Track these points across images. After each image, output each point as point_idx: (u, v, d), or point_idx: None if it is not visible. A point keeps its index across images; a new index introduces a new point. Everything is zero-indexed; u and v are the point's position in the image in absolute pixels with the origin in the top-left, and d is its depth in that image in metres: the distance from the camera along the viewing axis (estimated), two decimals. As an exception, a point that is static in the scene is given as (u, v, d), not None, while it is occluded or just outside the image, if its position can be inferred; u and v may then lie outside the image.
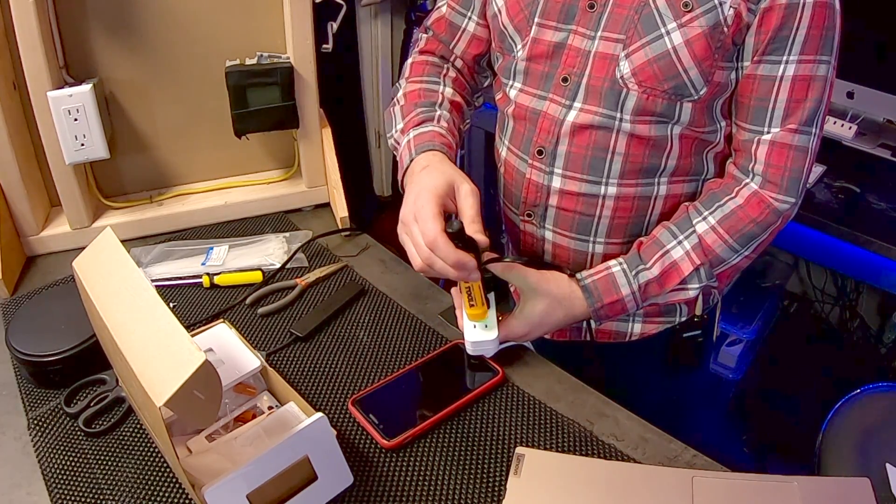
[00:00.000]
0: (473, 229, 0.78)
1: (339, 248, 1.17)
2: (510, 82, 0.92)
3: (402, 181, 0.90)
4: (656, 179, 0.87)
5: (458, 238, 0.77)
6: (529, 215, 0.94)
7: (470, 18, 0.98)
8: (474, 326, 0.86)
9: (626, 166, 0.85)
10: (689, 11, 0.76)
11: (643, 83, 0.80)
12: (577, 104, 0.84)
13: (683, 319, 0.99)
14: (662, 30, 0.78)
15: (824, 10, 0.75)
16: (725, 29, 0.76)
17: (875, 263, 1.40)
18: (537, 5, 0.85)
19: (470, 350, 0.87)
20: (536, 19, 0.86)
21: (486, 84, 1.06)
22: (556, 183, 0.89)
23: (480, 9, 0.97)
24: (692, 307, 0.99)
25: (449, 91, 0.98)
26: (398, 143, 0.94)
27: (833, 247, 1.43)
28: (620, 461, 0.78)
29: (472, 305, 0.84)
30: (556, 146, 0.87)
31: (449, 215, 0.80)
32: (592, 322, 0.92)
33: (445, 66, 1.01)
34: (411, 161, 0.88)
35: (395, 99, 0.99)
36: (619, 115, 0.83)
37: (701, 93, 0.80)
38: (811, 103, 0.79)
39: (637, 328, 0.99)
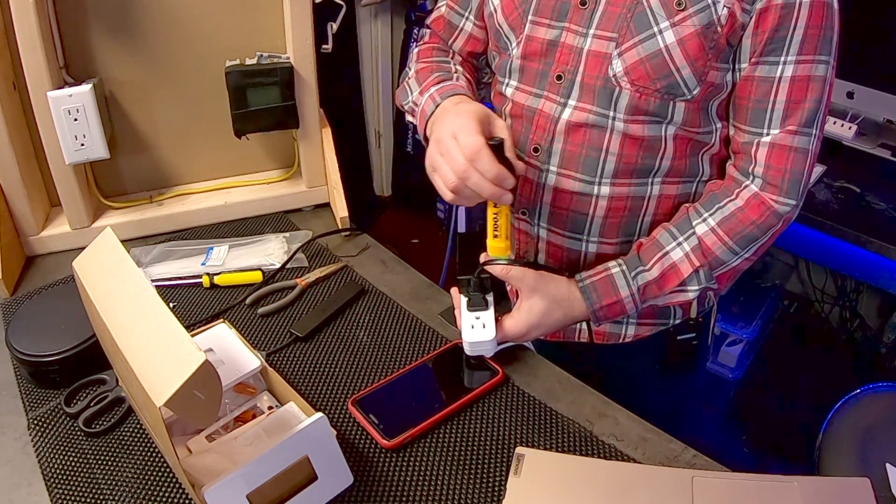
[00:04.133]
0: (511, 156, 0.78)
1: (339, 248, 1.17)
2: (506, 80, 0.92)
3: (426, 131, 0.90)
4: (650, 180, 0.87)
5: (498, 155, 0.76)
6: (524, 213, 0.94)
7: (467, 18, 0.99)
8: (472, 327, 0.86)
9: (620, 166, 0.85)
10: (682, 10, 0.76)
11: (635, 82, 0.80)
12: (572, 102, 0.85)
13: (678, 322, 0.99)
14: (655, 28, 0.78)
15: (822, 10, 0.75)
16: (719, 28, 0.76)
17: (875, 263, 1.40)
18: (531, 3, 0.86)
19: (468, 350, 0.87)
20: (530, 17, 0.86)
21: (485, 80, 1.07)
22: (551, 180, 0.89)
23: (477, 9, 0.98)
24: (687, 310, 0.99)
25: (459, 68, 1.00)
26: (416, 105, 0.95)
27: (833, 247, 1.43)
28: (620, 461, 0.78)
29: (495, 236, 0.83)
30: (552, 143, 0.87)
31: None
32: (592, 323, 0.92)
33: (451, 52, 1.04)
34: (436, 106, 0.88)
35: (406, 77, 1.01)
36: (612, 113, 0.83)
37: (694, 92, 0.80)
38: (810, 104, 0.78)
39: (631, 330, 0.99)
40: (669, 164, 0.86)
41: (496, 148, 0.76)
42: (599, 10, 0.81)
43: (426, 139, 0.89)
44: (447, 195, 0.79)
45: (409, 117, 1.01)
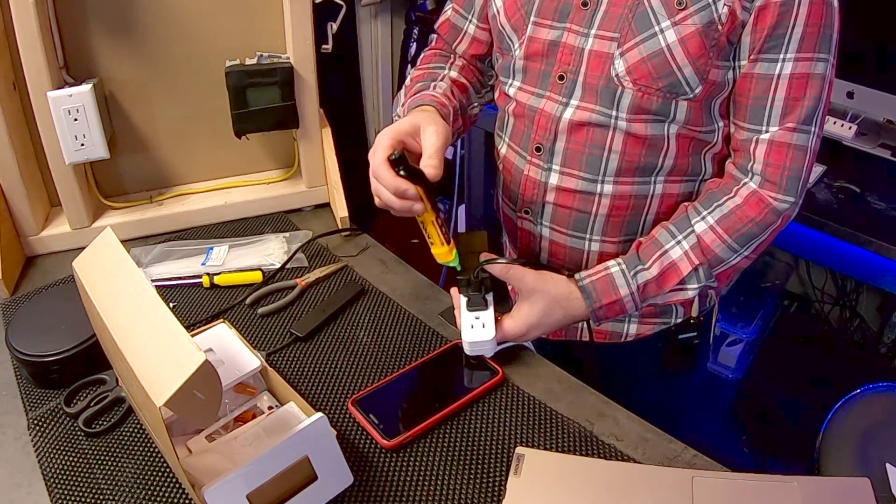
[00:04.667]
0: (426, 163, 0.77)
1: (339, 248, 1.17)
2: (509, 81, 0.92)
3: None
4: (653, 178, 0.87)
5: (404, 169, 0.76)
6: (527, 212, 0.94)
7: (471, 21, 1.00)
8: (472, 326, 0.86)
9: (623, 164, 0.85)
10: (683, 9, 0.76)
11: (638, 81, 0.80)
12: (574, 101, 0.85)
13: (679, 321, 0.99)
14: (656, 28, 0.78)
15: (821, 7, 0.75)
16: (720, 27, 0.76)
17: (875, 263, 1.40)
18: (533, 4, 0.86)
19: (467, 350, 0.87)
20: (532, 18, 0.86)
21: (491, 83, 1.07)
22: (554, 180, 0.89)
23: (480, 11, 0.98)
24: (688, 309, 0.99)
25: (453, 73, 1.00)
26: (399, 118, 0.95)
27: (833, 247, 1.43)
28: (620, 461, 0.78)
29: (431, 244, 0.84)
30: (554, 143, 0.87)
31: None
32: (592, 322, 0.92)
33: (453, 56, 1.04)
34: None
35: (404, 85, 1.02)
36: (615, 112, 0.83)
37: (696, 91, 0.80)
38: (810, 101, 0.79)
39: (633, 329, 0.99)
40: (672, 162, 0.86)
41: (396, 161, 0.76)
42: (601, 11, 0.81)
43: None
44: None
45: None
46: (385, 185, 0.77)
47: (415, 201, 0.78)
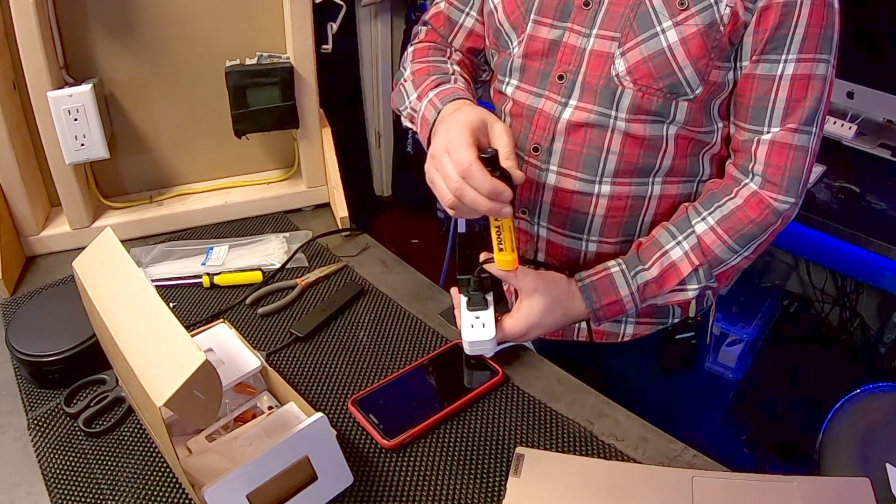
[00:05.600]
0: (509, 164, 0.74)
1: (339, 248, 1.17)
2: (506, 79, 0.92)
3: (429, 138, 0.86)
4: (651, 179, 0.87)
5: (493, 168, 0.72)
6: (524, 212, 0.94)
7: (468, 14, 0.98)
8: (472, 326, 0.86)
9: (621, 165, 0.85)
10: (685, 10, 0.76)
11: (638, 81, 0.80)
12: (573, 102, 0.85)
13: (676, 321, 0.99)
14: (658, 28, 0.78)
15: (823, 9, 0.75)
16: (721, 28, 0.76)
17: (875, 263, 1.40)
18: (533, 2, 0.86)
19: (467, 350, 0.87)
20: (532, 16, 0.86)
21: (484, 77, 1.06)
22: (551, 180, 0.89)
23: (480, 5, 0.97)
24: (686, 309, 0.99)
25: (456, 68, 0.97)
26: (415, 111, 0.92)
27: (833, 247, 1.43)
28: (620, 461, 0.78)
29: (500, 250, 0.79)
30: (552, 143, 0.87)
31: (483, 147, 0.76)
32: (592, 322, 0.92)
33: (448, 50, 1.02)
34: (438, 112, 0.85)
35: (401, 80, 0.98)
36: (614, 112, 0.83)
37: (697, 92, 0.80)
38: (811, 102, 0.79)
39: (629, 329, 0.99)
40: (670, 163, 0.86)
41: (489, 160, 0.72)
42: (602, 11, 0.81)
43: (429, 147, 0.86)
44: (448, 210, 0.76)
45: (406, 122, 0.98)
46: (479, 186, 0.72)
47: (506, 204, 0.74)
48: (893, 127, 1.57)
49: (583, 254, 0.93)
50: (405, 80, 0.97)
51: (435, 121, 0.85)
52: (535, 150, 0.89)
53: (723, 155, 0.90)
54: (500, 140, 0.76)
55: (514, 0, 0.88)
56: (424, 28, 1.03)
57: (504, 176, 0.73)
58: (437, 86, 0.91)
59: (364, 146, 2.71)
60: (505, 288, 1.00)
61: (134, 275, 0.70)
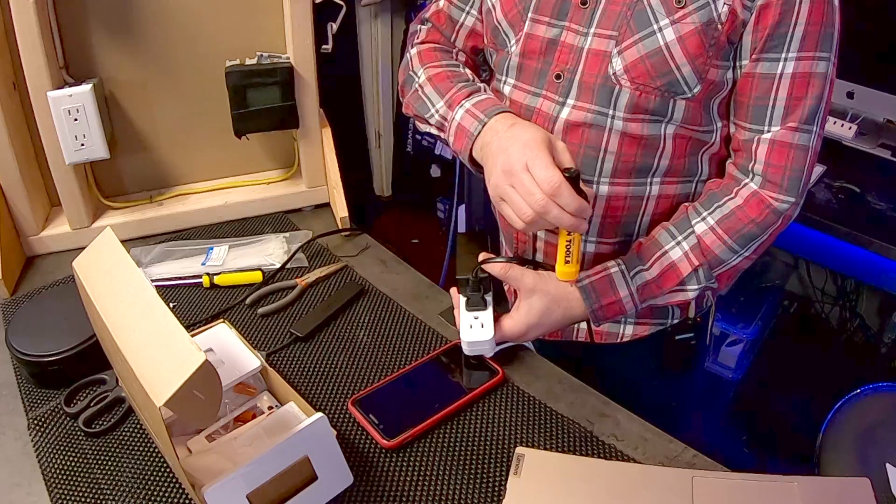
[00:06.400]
0: (583, 184, 0.76)
1: (339, 248, 1.17)
2: (504, 78, 0.91)
3: (471, 151, 0.86)
4: (649, 179, 0.87)
5: (576, 186, 0.74)
6: None
7: (468, 13, 0.97)
8: (470, 326, 0.86)
9: (618, 165, 0.85)
10: (682, 8, 0.76)
11: (636, 80, 0.80)
12: (571, 101, 0.84)
13: (676, 322, 0.99)
14: (655, 26, 0.78)
15: (822, 6, 0.75)
16: (719, 26, 0.76)
17: (875, 263, 1.40)
18: (531, 1, 0.85)
19: (466, 350, 0.87)
20: (530, 14, 0.86)
21: (483, 77, 1.06)
22: None
23: (480, 3, 0.96)
24: (685, 310, 0.98)
25: (470, 73, 0.96)
26: (445, 119, 0.91)
27: (833, 247, 1.43)
28: (620, 461, 0.78)
29: (567, 262, 0.81)
30: None
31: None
32: (591, 323, 0.92)
33: (454, 51, 1.01)
34: (482, 125, 0.85)
35: (415, 85, 0.96)
36: (611, 111, 0.83)
37: (694, 90, 0.80)
38: (811, 101, 0.78)
39: (629, 330, 0.99)
40: (668, 163, 0.86)
41: (573, 180, 0.74)
42: (600, 9, 0.81)
43: (472, 160, 0.86)
44: (518, 224, 0.77)
45: (426, 128, 0.96)
46: (566, 204, 0.73)
47: (585, 220, 0.75)
48: (893, 127, 1.57)
49: (582, 254, 0.93)
50: (422, 86, 0.95)
51: (479, 133, 0.85)
52: None
53: (722, 155, 0.89)
54: (564, 157, 0.77)
55: None
56: (424, 27, 1.02)
57: (581, 193, 0.75)
58: (469, 94, 0.89)
59: (364, 146, 2.71)
60: (506, 288, 1.00)
61: (134, 275, 0.71)
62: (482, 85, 0.93)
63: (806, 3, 0.74)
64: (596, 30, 0.81)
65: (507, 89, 0.91)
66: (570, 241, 0.79)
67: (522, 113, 0.89)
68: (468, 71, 0.97)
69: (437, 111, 0.92)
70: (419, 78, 0.96)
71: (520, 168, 0.75)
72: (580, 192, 0.74)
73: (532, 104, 0.88)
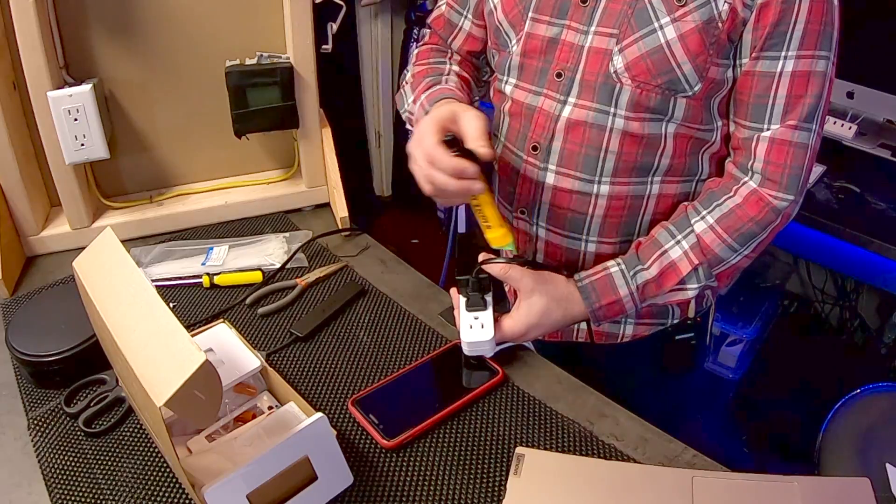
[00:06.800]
0: (476, 144, 0.77)
1: (339, 248, 1.17)
2: (505, 78, 0.92)
3: None
4: (650, 179, 0.87)
5: (459, 149, 0.77)
6: (523, 212, 0.94)
7: (466, 17, 1.00)
8: (470, 327, 0.86)
9: (619, 164, 0.85)
10: (683, 6, 0.76)
11: (636, 77, 0.80)
12: (572, 99, 0.85)
13: (676, 321, 0.99)
14: (656, 24, 0.78)
15: (822, 5, 0.75)
16: (720, 24, 0.76)
17: (875, 263, 1.40)
18: (531, 0, 0.86)
19: (466, 350, 0.87)
20: (530, 14, 0.86)
21: (486, 78, 1.07)
22: (550, 179, 0.89)
23: (475, 7, 0.98)
24: (685, 310, 0.99)
25: (455, 68, 1.00)
26: (412, 114, 0.96)
27: (833, 247, 1.43)
28: (620, 461, 0.78)
29: (488, 227, 0.83)
30: (551, 142, 0.87)
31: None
32: (591, 323, 0.92)
33: (449, 51, 1.04)
34: (426, 114, 0.87)
35: (403, 82, 1.01)
36: (612, 110, 0.83)
37: (695, 89, 0.80)
38: (811, 99, 0.79)
39: (629, 330, 0.99)
40: (669, 162, 0.86)
41: (450, 143, 0.77)
42: (600, 7, 0.81)
43: None
44: (437, 201, 0.81)
45: (408, 124, 1.01)
46: (443, 166, 0.77)
47: (474, 180, 0.78)
48: (893, 127, 1.57)
49: (582, 254, 0.93)
50: (406, 83, 1.00)
51: None
52: (534, 149, 0.89)
53: (723, 154, 0.89)
54: (470, 125, 0.79)
55: None
56: (428, 31, 1.06)
57: (469, 156, 0.77)
58: (428, 88, 0.93)
59: (364, 146, 2.71)
60: (506, 288, 1.00)
61: (134, 275, 0.70)
62: (447, 77, 0.96)
63: (806, 1, 0.75)
64: (596, 28, 0.82)
65: (508, 89, 0.91)
66: (477, 205, 0.82)
67: (523, 112, 0.89)
68: (452, 66, 1.00)
69: (407, 106, 0.98)
70: (406, 75, 1.01)
71: (414, 146, 0.80)
72: (466, 154, 0.77)
73: (533, 103, 0.88)
